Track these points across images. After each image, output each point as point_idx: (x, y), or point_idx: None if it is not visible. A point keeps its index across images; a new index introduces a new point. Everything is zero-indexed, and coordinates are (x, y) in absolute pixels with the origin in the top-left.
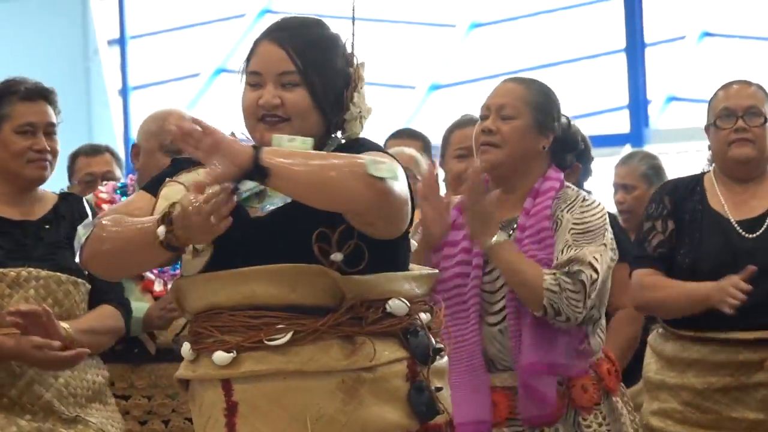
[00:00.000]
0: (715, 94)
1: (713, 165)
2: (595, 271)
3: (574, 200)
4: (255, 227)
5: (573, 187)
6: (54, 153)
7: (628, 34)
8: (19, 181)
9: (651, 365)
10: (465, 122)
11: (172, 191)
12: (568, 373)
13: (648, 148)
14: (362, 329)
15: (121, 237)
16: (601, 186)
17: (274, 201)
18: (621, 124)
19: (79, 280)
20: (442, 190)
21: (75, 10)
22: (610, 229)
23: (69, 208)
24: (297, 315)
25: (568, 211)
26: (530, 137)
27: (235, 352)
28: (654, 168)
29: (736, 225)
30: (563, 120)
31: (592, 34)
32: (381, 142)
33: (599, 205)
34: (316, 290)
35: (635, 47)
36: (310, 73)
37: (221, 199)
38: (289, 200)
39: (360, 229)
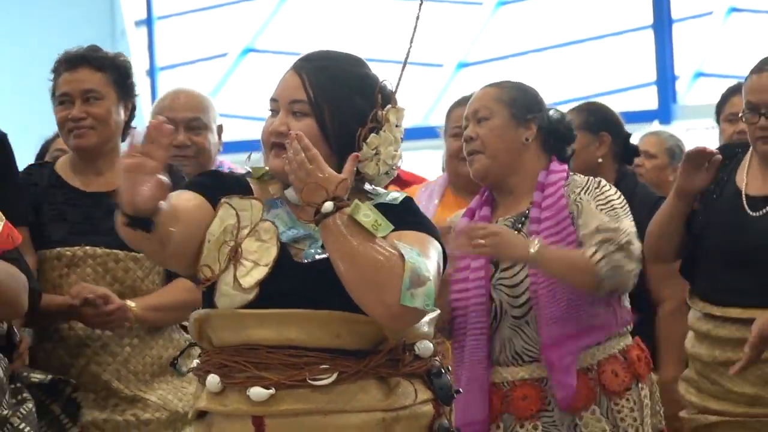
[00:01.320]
0: (749, 76)
1: None
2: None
3: (588, 183)
4: (297, 271)
5: (579, 175)
6: (96, 117)
7: (656, 10)
8: (74, 152)
9: (688, 336)
10: (464, 101)
11: (227, 214)
12: (588, 341)
13: (676, 124)
14: (398, 371)
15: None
16: None
17: (321, 250)
18: (649, 100)
19: (140, 255)
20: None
21: None
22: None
23: None
24: (339, 356)
25: (586, 194)
26: (509, 132)
27: (273, 389)
28: (678, 147)
29: (744, 200)
30: (554, 113)
31: (620, 10)
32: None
33: (612, 186)
34: (359, 337)
35: (662, 23)
36: (320, 103)
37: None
38: None
39: None
